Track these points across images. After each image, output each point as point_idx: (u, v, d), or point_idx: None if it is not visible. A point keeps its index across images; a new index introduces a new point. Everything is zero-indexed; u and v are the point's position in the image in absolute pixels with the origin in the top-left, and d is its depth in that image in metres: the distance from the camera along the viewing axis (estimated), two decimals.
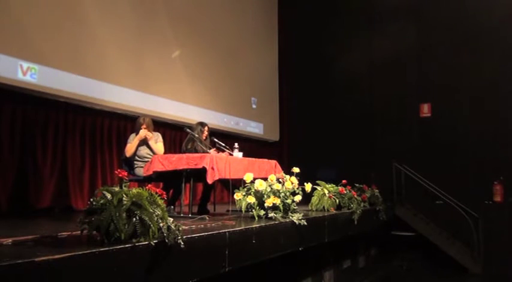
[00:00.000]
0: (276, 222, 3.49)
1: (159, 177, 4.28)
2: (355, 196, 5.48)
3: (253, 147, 8.23)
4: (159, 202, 2.25)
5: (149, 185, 2.35)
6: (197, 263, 2.50)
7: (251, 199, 3.70)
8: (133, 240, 2.06)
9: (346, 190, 5.35)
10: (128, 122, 5.93)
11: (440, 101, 8.17)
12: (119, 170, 2.28)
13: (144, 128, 4.55)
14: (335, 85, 9.12)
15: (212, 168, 3.79)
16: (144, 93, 5.96)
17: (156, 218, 2.15)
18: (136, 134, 4.56)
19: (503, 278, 6.42)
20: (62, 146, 5.07)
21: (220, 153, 4.59)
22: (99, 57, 5.33)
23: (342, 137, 8.83)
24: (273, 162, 4.76)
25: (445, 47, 8.13)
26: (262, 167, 4.51)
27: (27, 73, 4.56)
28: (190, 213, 4.09)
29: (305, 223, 3.67)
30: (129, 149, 4.49)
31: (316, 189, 5.06)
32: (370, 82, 8.85)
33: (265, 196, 3.71)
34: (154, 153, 4.50)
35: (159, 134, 4.77)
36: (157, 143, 4.63)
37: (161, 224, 2.18)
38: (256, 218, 3.65)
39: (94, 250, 1.85)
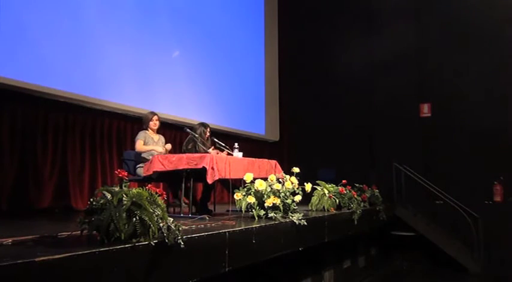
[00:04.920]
0: (276, 222, 3.49)
1: (165, 178, 4.29)
2: (355, 196, 5.47)
3: (253, 147, 8.23)
4: (159, 202, 2.25)
5: (149, 185, 2.35)
6: (197, 263, 2.50)
7: (251, 199, 3.70)
8: (133, 240, 2.06)
9: (346, 190, 5.34)
10: (127, 122, 5.94)
11: (440, 101, 8.17)
12: (118, 170, 2.28)
13: (157, 120, 4.74)
14: (335, 85, 9.11)
15: (212, 168, 3.79)
16: (144, 94, 5.96)
17: (156, 218, 2.15)
18: (146, 128, 4.69)
19: (503, 278, 6.43)
20: (62, 146, 5.07)
21: (220, 153, 4.59)
22: (100, 58, 5.33)
23: (342, 137, 8.83)
24: (273, 162, 4.76)
25: (445, 47, 8.13)
26: (262, 167, 4.50)
27: None
28: (190, 213, 4.09)
29: (305, 223, 3.67)
30: (143, 149, 4.55)
31: (316, 189, 5.06)
32: (370, 82, 8.85)
33: (265, 196, 3.71)
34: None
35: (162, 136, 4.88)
36: (165, 145, 4.77)
37: (161, 224, 2.18)
38: (256, 218, 3.65)
39: (94, 250, 1.85)
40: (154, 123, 4.74)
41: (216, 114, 7.24)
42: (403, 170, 7.60)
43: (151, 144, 4.63)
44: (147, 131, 4.71)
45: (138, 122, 5.94)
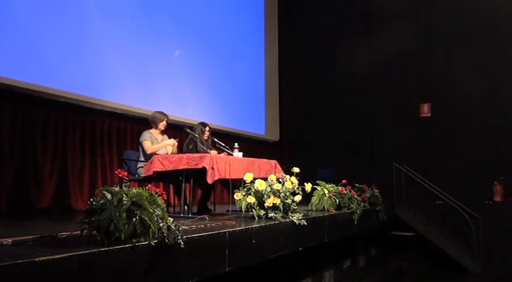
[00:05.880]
0: (276, 222, 3.49)
1: (166, 179, 4.28)
2: (355, 196, 5.47)
3: (253, 147, 8.23)
4: (159, 202, 2.25)
5: (149, 185, 2.35)
6: (197, 263, 2.50)
7: (251, 199, 3.70)
8: (134, 240, 2.06)
9: (346, 190, 5.34)
10: (128, 122, 5.94)
11: (440, 101, 8.17)
12: (118, 170, 2.29)
13: (166, 121, 4.68)
14: (335, 85, 9.11)
15: (212, 168, 3.79)
16: (144, 93, 5.97)
17: (156, 218, 2.15)
18: (155, 127, 4.64)
19: (503, 278, 6.43)
20: (62, 146, 5.07)
21: (222, 153, 4.59)
22: (100, 58, 5.33)
23: (342, 137, 8.83)
24: (273, 162, 4.76)
25: (445, 47, 8.13)
26: (262, 167, 4.50)
27: None
28: (190, 213, 4.09)
29: (305, 223, 3.67)
30: (153, 149, 4.48)
31: (316, 189, 5.06)
32: (370, 82, 8.85)
33: (265, 196, 3.71)
34: None
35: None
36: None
37: (161, 224, 2.18)
38: (256, 218, 3.64)
39: (94, 250, 1.85)
40: (163, 125, 4.69)
41: (216, 114, 7.24)
42: (403, 170, 7.60)
43: (155, 144, 4.60)
44: (151, 131, 4.65)
45: (138, 122, 5.95)
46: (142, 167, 4.48)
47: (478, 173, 7.31)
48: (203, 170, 3.80)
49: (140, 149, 4.59)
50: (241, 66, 8.24)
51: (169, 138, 4.78)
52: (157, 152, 4.46)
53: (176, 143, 4.67)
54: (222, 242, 2.72)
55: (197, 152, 4.55)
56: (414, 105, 8.43)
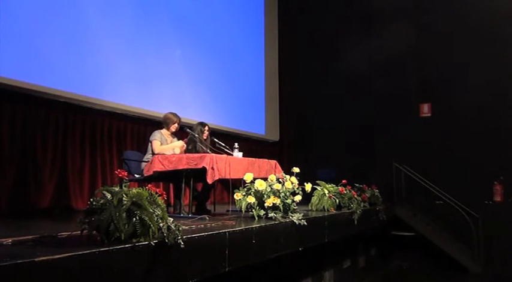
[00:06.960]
0: (276, 222, 3.49)
1: (168, 178, 4.27)
2: (355, 196, 5.48)
3: (253, 147, 8.23)
4: (159, 202, 2.25)
5: (149, 185, 2.35)
6: (197, 263, 2.50)
7: (251, 199, 3.70)
8: (134, 240, 2.06)
9: (346, 190, 5.34)
10: (128, 122, 5.93)
11: (440, 101, 8.17)
12: (119, 170, 2.28)
13: (179, 124, 4.68)
14: (335, 85, 9.11)
15: (212, 168, 3.79)
16: (144, 93, 5.97)
17: (156, 218, 2.15)
18: (167, 128, 4.62)
19: (503, 278, 6.43)
20: (62, 146, 5.07)
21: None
22: (100, 58, 5.33)
23: (342, 137, 8.82)
24: (273, 162, 4.76)
25: (445, 47, 8.13)
26: (262, 167, 4.50)
27: None
28: (190, 213, 4.09)
29: (305, 223, 3.67)
30: (161, 150, 4.44)
31: (316, 189, 5.06)
32: (370, 82, 8.85)
33: (265, 196, 3.71)
34: None
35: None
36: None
37: (161, 224, 2.18)
38: (256, 218, 3.65)
39: (94, 250, 1.85)
40: (175, 127, 4.67)
41: (216, 114, 7.23)
42: (403, 170, 7.60)
43: (164, 145, 4.58)
44: (162, 131, 4.63)
45: (138, 122, 5.95)
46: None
47: (478, 173, 7.31)
48: (203, 170, 3.80)
49: (149, 148, 4.56)
50: (241, 66, 8.24)
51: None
52: (164, 153, 4.45)
53: (185, 146, 4.66)
54: (222, 242, 2.72)
55: (197, 152, 4.55)
56: (414, 105, 8.43)
